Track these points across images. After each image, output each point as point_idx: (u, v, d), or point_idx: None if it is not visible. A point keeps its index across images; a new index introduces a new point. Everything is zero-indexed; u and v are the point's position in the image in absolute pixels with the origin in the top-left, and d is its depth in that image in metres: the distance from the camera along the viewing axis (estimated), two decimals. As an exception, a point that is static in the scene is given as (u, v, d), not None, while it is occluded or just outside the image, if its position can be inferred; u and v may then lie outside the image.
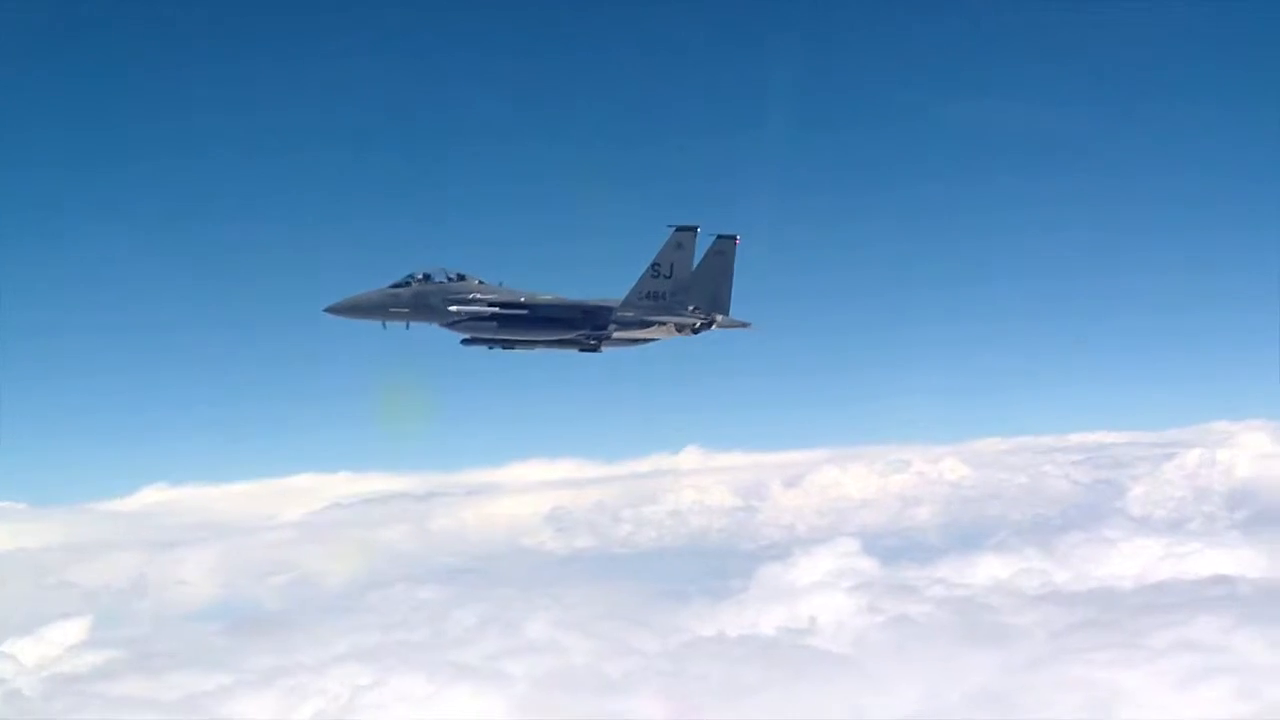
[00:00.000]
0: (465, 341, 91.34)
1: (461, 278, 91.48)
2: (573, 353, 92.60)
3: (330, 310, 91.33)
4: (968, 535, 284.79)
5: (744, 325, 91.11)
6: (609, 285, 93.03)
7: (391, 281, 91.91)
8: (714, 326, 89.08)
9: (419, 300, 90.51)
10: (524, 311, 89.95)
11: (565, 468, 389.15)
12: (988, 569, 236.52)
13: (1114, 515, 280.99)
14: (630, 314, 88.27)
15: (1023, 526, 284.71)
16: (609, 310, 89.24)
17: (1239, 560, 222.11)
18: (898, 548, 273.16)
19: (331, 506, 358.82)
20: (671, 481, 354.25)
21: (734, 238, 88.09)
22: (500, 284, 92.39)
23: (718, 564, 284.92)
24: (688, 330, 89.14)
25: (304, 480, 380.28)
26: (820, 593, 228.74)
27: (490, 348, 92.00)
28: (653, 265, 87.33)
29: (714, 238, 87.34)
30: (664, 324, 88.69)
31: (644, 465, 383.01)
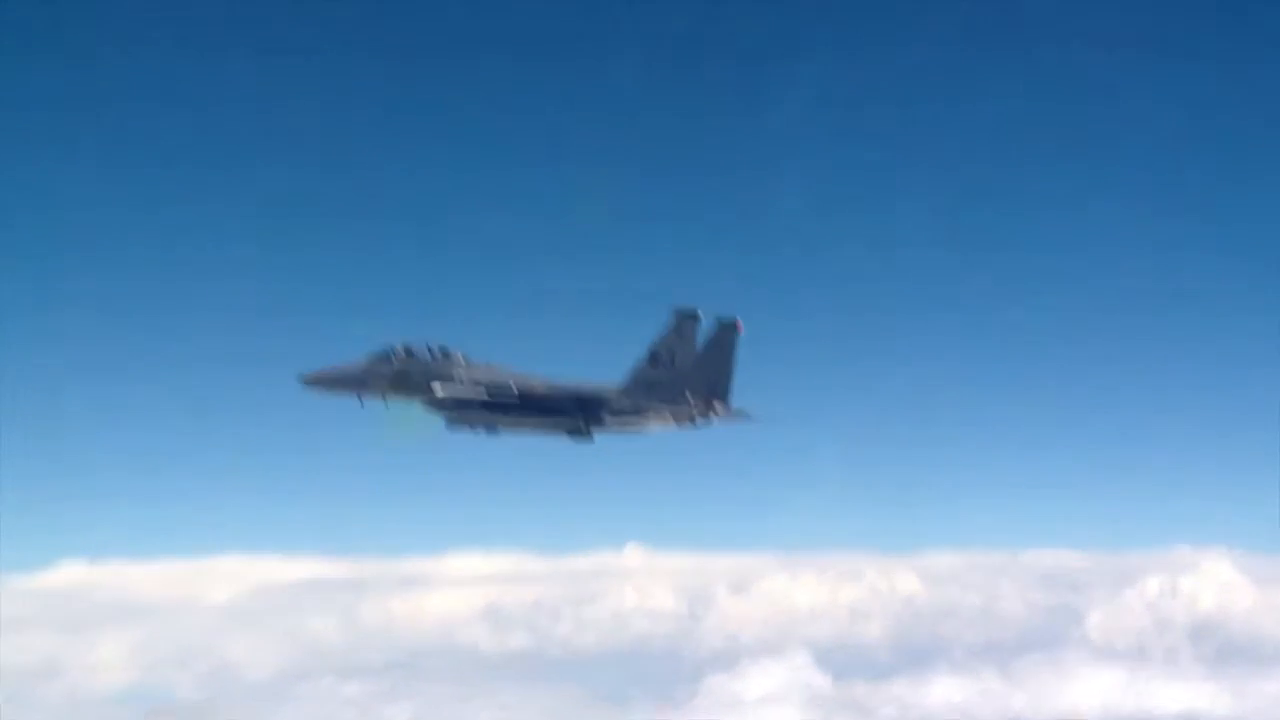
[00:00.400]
0: (449, 424, 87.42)
1: (446, 354, 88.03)
2: (560, 438, 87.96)
3: (305, 381, 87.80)
4: (920, 653, 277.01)
5: (744, 416, 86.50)
6: (604, 367, 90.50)
7: (370, 354, 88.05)
8: (713, 417, 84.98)
9: (400, 377, 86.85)
10: (514, 396, 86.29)
11: (504, 561, 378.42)
12: (942, 690, 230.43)
13: (1072, 641, 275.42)
14: (626, 403, 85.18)
15: (977, 647, 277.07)
16: (604, 398, 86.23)
17: (1204, 696, 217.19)
18: (849, 662, 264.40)
19: (259, 590, 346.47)
20: (613, 581, 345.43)
21: (736, 323, 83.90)
22: (487, 363, 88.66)
23: (661, 670, 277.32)
24: (686, 420, 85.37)
25: (231, 561, 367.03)
26: (771, 707, 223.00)
27: (474, 430, 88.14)
28: (651, 351, 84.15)
29: (714, 322, 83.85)
30: (662, 414, 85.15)
31: (585, 562, 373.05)
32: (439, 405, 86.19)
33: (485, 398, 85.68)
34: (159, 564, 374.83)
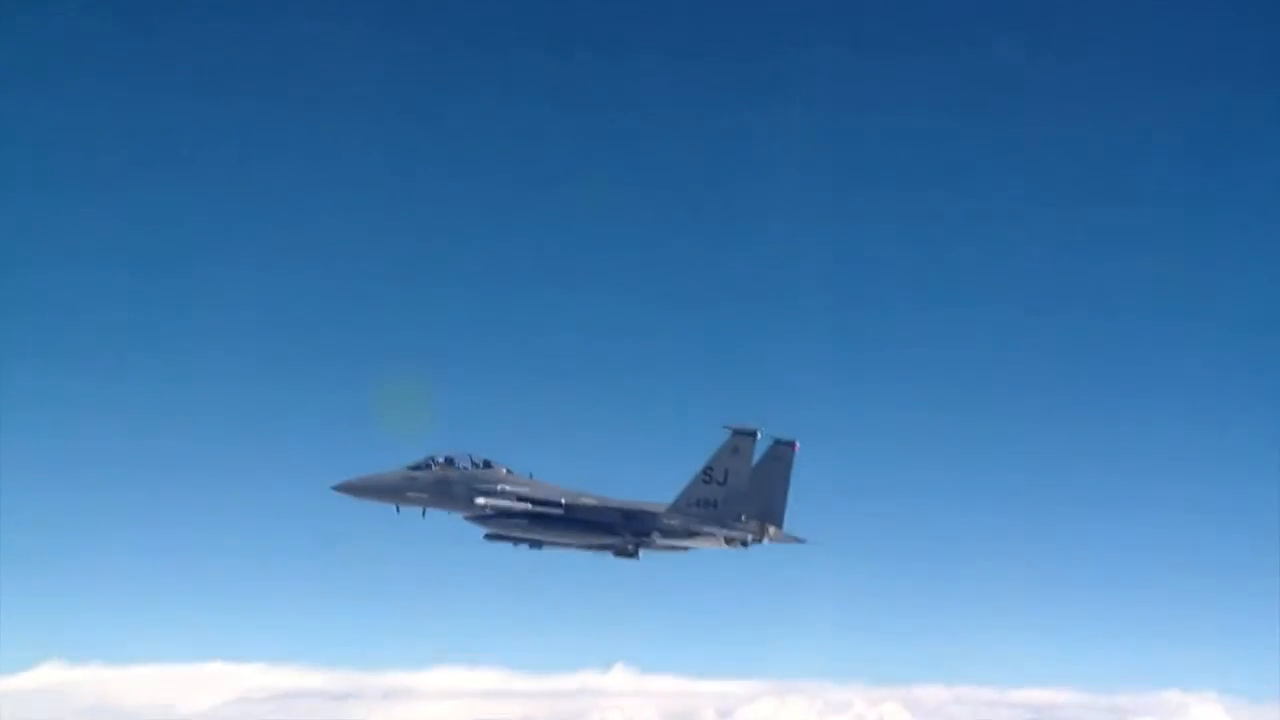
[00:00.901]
0: (489, 537, 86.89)
1: (488, 465, 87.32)
2: (605, 557, 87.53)
3: (340, 489, 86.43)
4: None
5: (798, 541, 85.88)
6: (647, 485, 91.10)
7: (409, 463, 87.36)
8: (766, 540, 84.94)
9: (440, 487, 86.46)
10: (560, 510, 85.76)
11: (488, 677, 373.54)
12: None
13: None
14: (677, 521, 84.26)
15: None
16: (654, 516, 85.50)
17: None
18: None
19: (240, 700, 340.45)
20: (598, 701, 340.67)
21: (793, 444, 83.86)
22: (530, 475, 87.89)
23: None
24: (737, 543, 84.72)
25: (213, 668, 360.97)
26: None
27: (515, 545, 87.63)
28: (705, 469, 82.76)
29: (771, 442, 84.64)
30: (714, 535, 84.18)
31: (570, 681, 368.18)
32: (480, 518, 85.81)
33: (531, 511, 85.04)
34: (140, 669, 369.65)
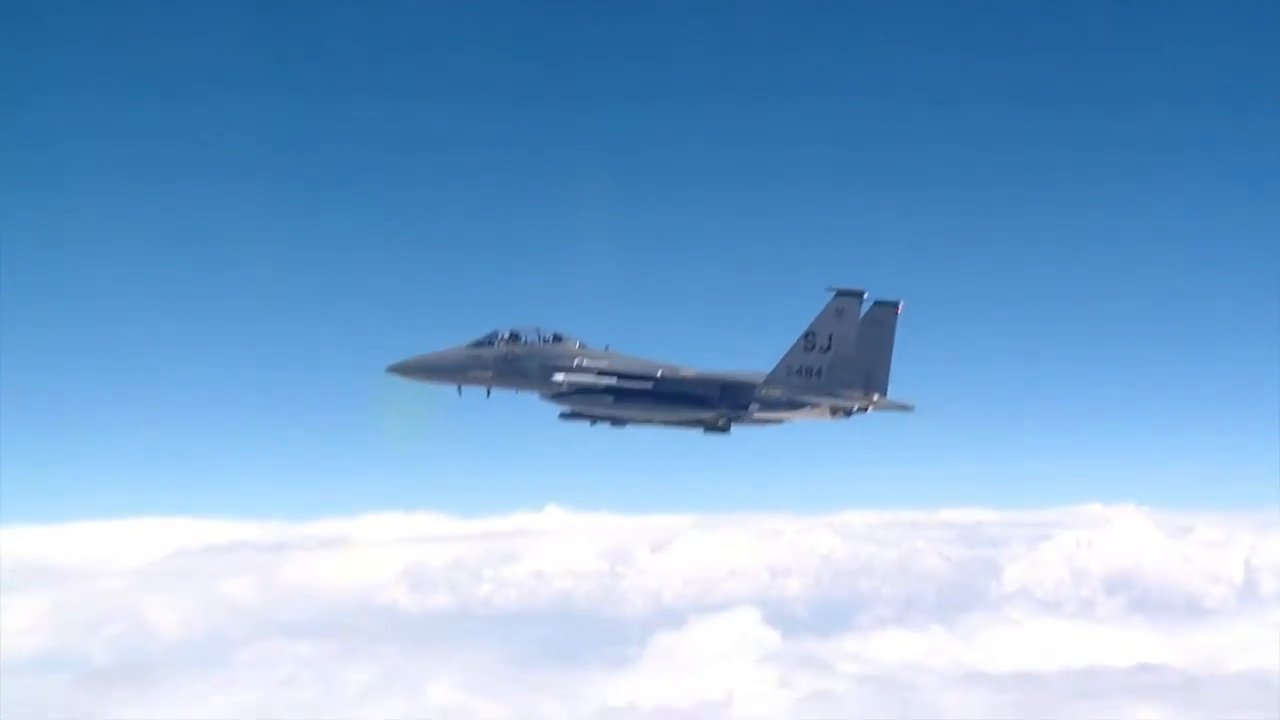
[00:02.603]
0: (565, 416, 77.97)
1: (559, 338, 78.54)
2: (692, 433, 78.52)
3: (395, 370, 78.17)
4: (840, 610, 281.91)
5: (905, 408, 78.15)
6: (712, 352, 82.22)
7: (471, 340, 78.69)
8: (871, 409, 76.16)
9: (508, 364, 77.79)
10: (649, 385, 76.39)
11: (422, 521, 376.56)
12: (894, 645, 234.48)
13: (990, 595, 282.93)
14: (778, 392, 75.33)
15: (907, 601, 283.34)
16: (752, 387, 76.16)
17: (1147, 647, 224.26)
18: (795, 619, 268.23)
19: (175, 553, 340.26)
20: (533, 541, 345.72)
21: (896, 304, 74.72)
22: (606, 348, 78.68)
23: (588, 629, 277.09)
24: (841, 413, 76.53)
25: (145, 523, 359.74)
26: (724, 664, 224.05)
27: (593, 424, 78.30)
28: (806, 335, 73.64)
29: (870, 305, 74.14)
30: (818, 405, 75.74)
31: (504, 523, 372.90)
32: (558, 395, 77.05)
33: (617, 387, 76.17)
34: (70, 527, 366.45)
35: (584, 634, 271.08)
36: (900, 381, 76.67)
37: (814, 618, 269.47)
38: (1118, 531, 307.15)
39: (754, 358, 78.75)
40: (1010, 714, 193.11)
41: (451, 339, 79.81)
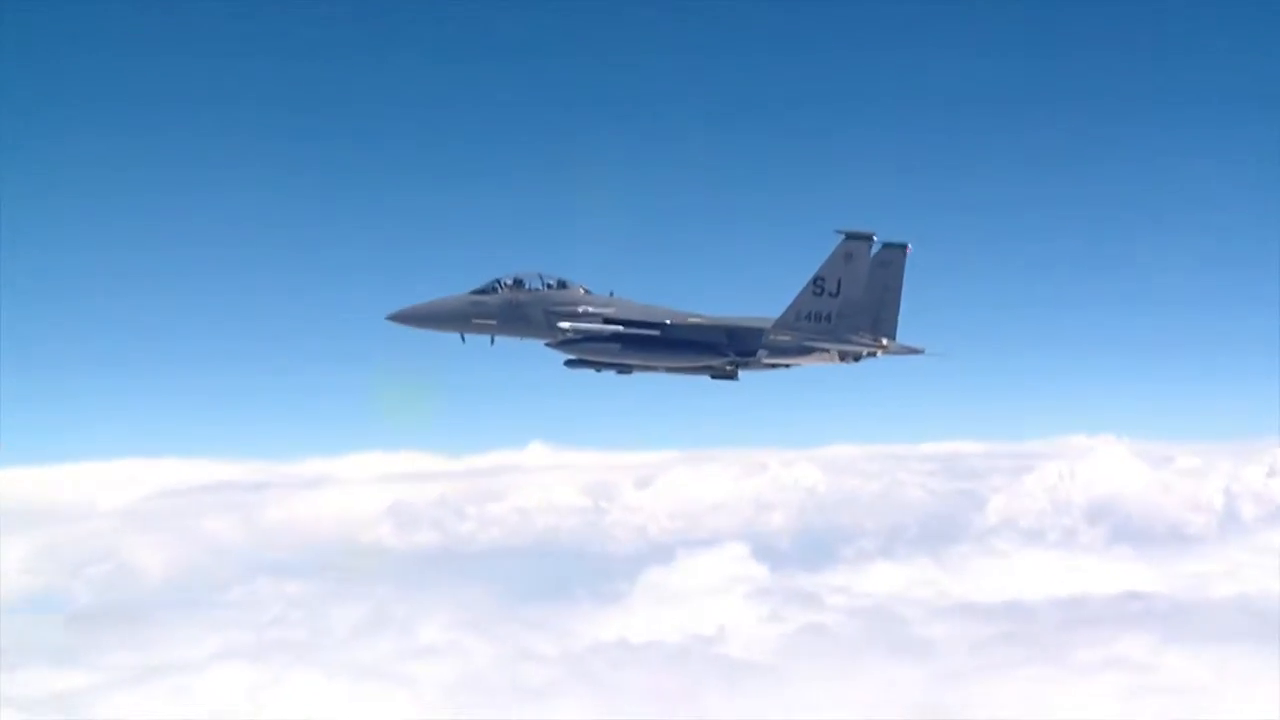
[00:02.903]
0: (571, 363, 77.11)
1: (563, 284, 77.35)
2: (699, 380, 77.79)
3: (395, 318, 77.10)
4: (825, 543, 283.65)
5: (915, 351, 77.10)
6: (718, 297, 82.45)
7: (473, 288, 77.34)
8: (881, 354, 75.30)
9: (511, 311, 76.62)
10: (655, 332, 75.29)
11: (405, 460, 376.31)
12: (881, 578, 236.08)
13: (974, 526, 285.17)
14: (787, 338, 74.01)
15: (892, 534, 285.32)
16: (760, 332, 74.85)
17: (1133, 575, 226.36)
18: (782, 552, 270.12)
19: (158, 494, 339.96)
20: (517, 478, 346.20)
21: (904, 247, 74.39)
22: (610, 294, 77.47)
23: (576, 565, 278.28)
24: (850, 358, 75.49)
25: (130, 464, 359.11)
26: (714, 599, 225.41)
27: (598, 371, 77.61)
28: (815, 279, 72.51)
29: (879, 247, 73.33)
30: (827, 351, 74.55)
31: (487, 460, 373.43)
32: (563, 343, 75.90)
33: (623, 334, 75.01)
34: (54, 469, 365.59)
35: (572, 570, 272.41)
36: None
37: (800, 551, 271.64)
38: (1099, 462, 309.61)
39: (762, 303, 77.59)
40: (1002, 644, 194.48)
41: (442, 283, 79.26)
